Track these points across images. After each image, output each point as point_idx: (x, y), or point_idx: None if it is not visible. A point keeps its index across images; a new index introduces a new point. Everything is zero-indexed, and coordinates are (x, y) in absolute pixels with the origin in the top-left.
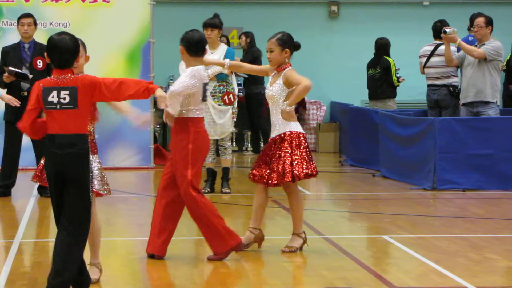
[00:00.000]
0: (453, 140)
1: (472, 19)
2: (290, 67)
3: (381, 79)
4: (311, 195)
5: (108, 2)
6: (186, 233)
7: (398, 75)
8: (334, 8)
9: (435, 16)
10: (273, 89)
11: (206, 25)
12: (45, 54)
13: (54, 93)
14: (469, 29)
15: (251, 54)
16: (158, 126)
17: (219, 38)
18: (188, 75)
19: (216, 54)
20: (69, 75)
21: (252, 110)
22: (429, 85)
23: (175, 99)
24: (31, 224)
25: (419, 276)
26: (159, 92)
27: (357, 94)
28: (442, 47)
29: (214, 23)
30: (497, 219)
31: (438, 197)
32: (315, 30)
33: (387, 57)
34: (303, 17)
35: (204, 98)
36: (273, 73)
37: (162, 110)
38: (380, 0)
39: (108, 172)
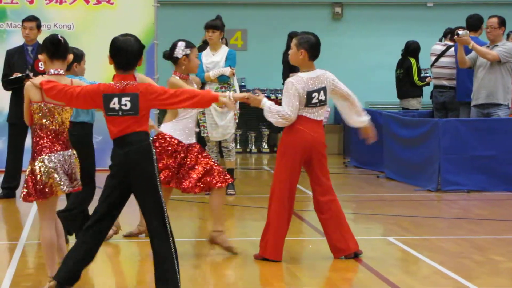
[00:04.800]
0: (457, 141)
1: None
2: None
3: (404, 79)
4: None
5: (112, 4)
6: (191, 235)
7: (424, 75)
8: (337, 9)
9: (439, 17)
10: None
11: (208, 27)
12: (108, 56)
13: (116, 99)
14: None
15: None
16: None
17: (220, 40)
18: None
19: (218, 55)
20: (132, 82)
21: None
22: (436, 86)
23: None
24: (35, 226)
25: (424, 277)
26: (224, 99)
27: (361, 96)
28: (453, 49)
29: (215, 25)
30: (501, 221)
31: (442, 199)
32: (318, 31)
33: (410, 58)
34: (306, 18)
35: (308, 105)
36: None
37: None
38: (384, 2)
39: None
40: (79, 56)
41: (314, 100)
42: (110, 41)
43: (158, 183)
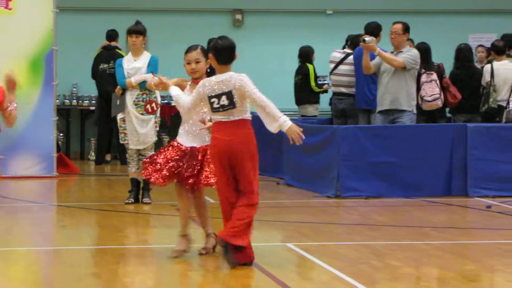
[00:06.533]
0: (356, 148)
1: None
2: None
3: (302, 85)
4: (215, 204)
5: (10, 9)
6: (89, 242)
7: (321, 82)
8: (238, 16)
9: (338, 25)
10: None
11: (131, 32)
12: None
13: None
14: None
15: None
16: (61, 134)
17: (143, 45)
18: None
19: (140, 61)
20: None
21: None
22: (335, 93)
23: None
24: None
25: (323, 283)
26: None
27: None
28: (351, 57)
29: (138, 30)
30: (399, 226)
31: (341, 205)
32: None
33: (308, 64)
34: (207, 25)
35: (212, 110)
36: (190, 83)
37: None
38: (284, 9)
39: (10, 181)
40: None
41: (215, 105)
42: None
43: None
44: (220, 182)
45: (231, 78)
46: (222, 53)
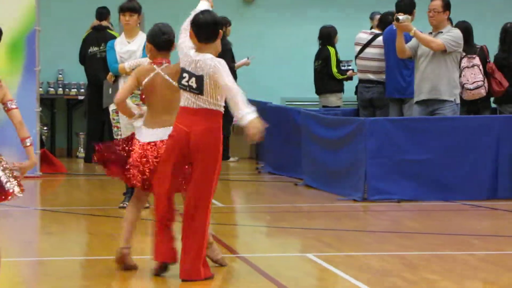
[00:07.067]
0: (386, 143)
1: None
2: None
3: (323, 71)
4: (224, 208)
5: None
6: (79, 252)
7: (345, 67)
8: None
9: (364, 2)
10: None
11: (124, 10)
12: None
13: None
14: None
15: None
16: (45, 128)
17: (138, 25)
18: None
19: (134, 44)
20: None
21: None
22: (361, 81)
23: None
24: None
25: None
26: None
27: (276, 91)
28: (380, 38)
29: (132, 7)
30: (436, 234)
31: (369, 209)
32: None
33: (329, 47)
34: (214, 2)
35: (179, 83)
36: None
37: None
38: None
39: None
40: None
41: (183, 82)
42: None
43: None
44: (163, 174)
45: (205, 61)
46: (203, 30)
